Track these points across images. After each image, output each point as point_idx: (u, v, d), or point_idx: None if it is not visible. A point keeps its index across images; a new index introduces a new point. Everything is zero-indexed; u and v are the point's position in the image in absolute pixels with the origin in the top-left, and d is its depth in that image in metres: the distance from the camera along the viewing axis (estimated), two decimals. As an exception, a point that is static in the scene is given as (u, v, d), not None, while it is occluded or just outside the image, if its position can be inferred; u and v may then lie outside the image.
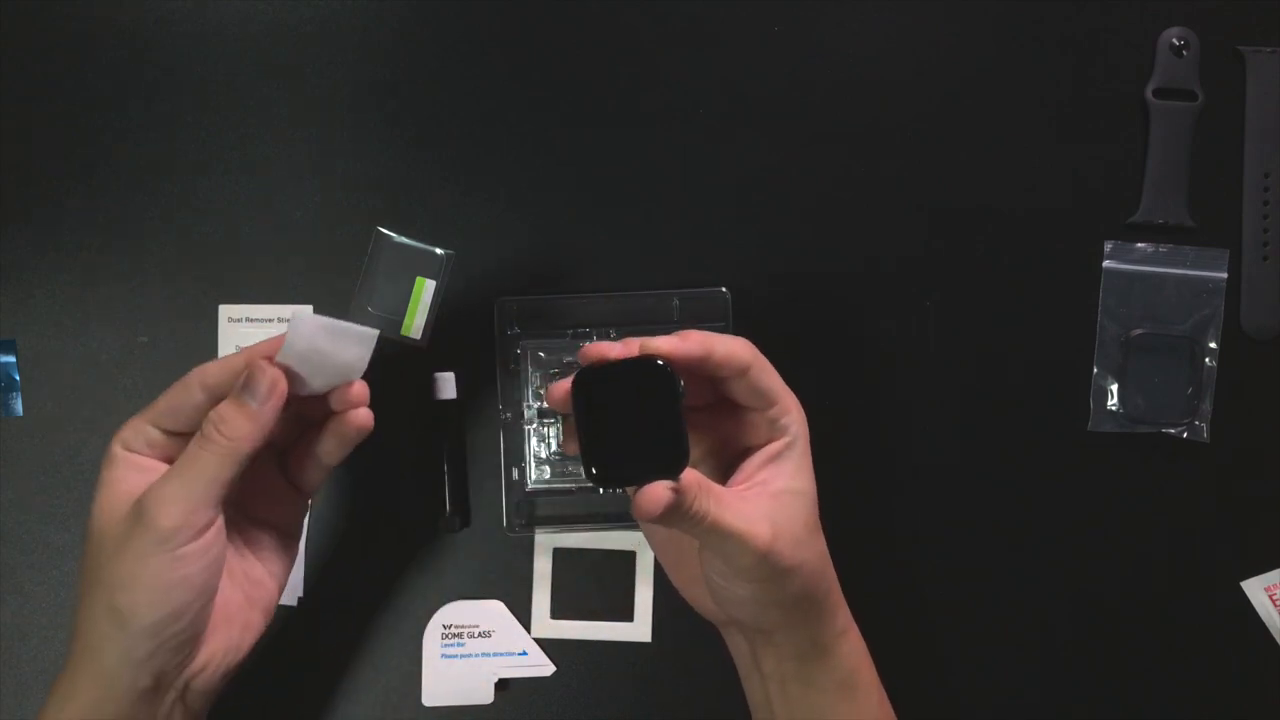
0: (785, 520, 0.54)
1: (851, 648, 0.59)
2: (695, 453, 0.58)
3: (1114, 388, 0.73)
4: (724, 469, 0.57)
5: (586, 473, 0.50)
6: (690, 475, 0.51)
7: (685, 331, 0.54)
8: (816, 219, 0.74)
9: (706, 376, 0.56)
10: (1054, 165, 0.74)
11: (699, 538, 0.54)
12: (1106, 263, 0.73)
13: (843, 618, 0.59)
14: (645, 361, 0.52)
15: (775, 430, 0.56)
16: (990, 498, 0.73)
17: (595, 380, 0.51)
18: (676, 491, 0.50)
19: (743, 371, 0.55)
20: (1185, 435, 0.73)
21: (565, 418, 0.54)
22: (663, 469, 0.50)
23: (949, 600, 0.73)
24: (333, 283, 0.73)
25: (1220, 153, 0.74)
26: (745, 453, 0.57)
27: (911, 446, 0.73)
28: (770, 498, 0.55)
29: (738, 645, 0.60)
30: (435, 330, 0.73)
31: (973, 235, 0.74)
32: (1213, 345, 0.73)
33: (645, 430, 0.51)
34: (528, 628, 0.72)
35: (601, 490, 0.53)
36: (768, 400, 0.56)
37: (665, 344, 0.53)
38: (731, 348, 0.55)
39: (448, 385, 0.72)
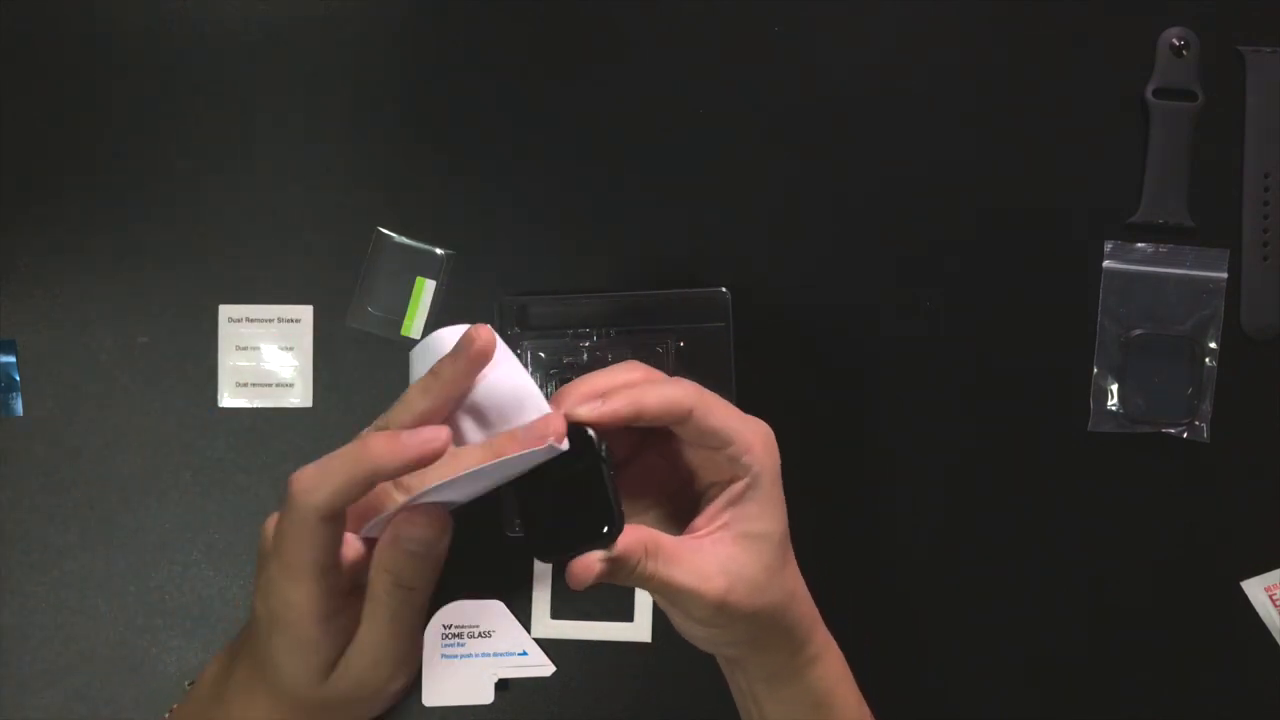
0: (742, 568, 0.52)
1: (824, 671, 0.57)
2: (655, 495, 0.56)
3: (1114, 388, 0.73)
4: (688, 507, 0.56)
5: (525, 548, 0.50)
6: (636, 537, 0.50)
7: (615, 387, 0.52)
8: (816, 219, 0.74)
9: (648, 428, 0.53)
10: (1054, 165, 0.74)
11: (650, 592, 0.53)
12: (1106, 263, 0.73)
13: (816, 644, 0.57)
14: (569, 431, 0.50)
15: (737, 468, 0.53)
16: (990, 498, 0.73)
17: None
18: (610, 561, 0.49)
19: (684, 417, 0.52)
20: (1185, 435, 0.73)
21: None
22: (595, 539, 0.49)
23: (948, 600, 0.73)
24: (333, 283, 0.73)
25: (1220, 153, 0.74)
26: (708, 489, 0.55)
27: (910, 446, 0.73)
28: (731, 543, 0.53)
29: (718, 657, 0.60)
30: (435, 330, 0.73)
31: (972, 235, 0.74)
32: (1213, 345, 0.73)
33: (576, 500, 0.50)
34: (528, 628, 0.72)
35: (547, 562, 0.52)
36: (721, 440, 0.53)
37: (588, 411, 0.50)
38: (666, 397, 0.52)
39: (448, 385, 0.72)
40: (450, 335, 0.51)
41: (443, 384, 0.49)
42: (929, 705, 0.73)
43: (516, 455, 0.48)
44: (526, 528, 0.50)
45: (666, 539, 0.51)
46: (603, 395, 0.51)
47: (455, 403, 0.50)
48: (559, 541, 0.50)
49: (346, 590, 0.49)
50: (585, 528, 0.49)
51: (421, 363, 0.51)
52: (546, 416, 0.49)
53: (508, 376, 0.50)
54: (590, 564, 0.49)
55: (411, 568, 0.48)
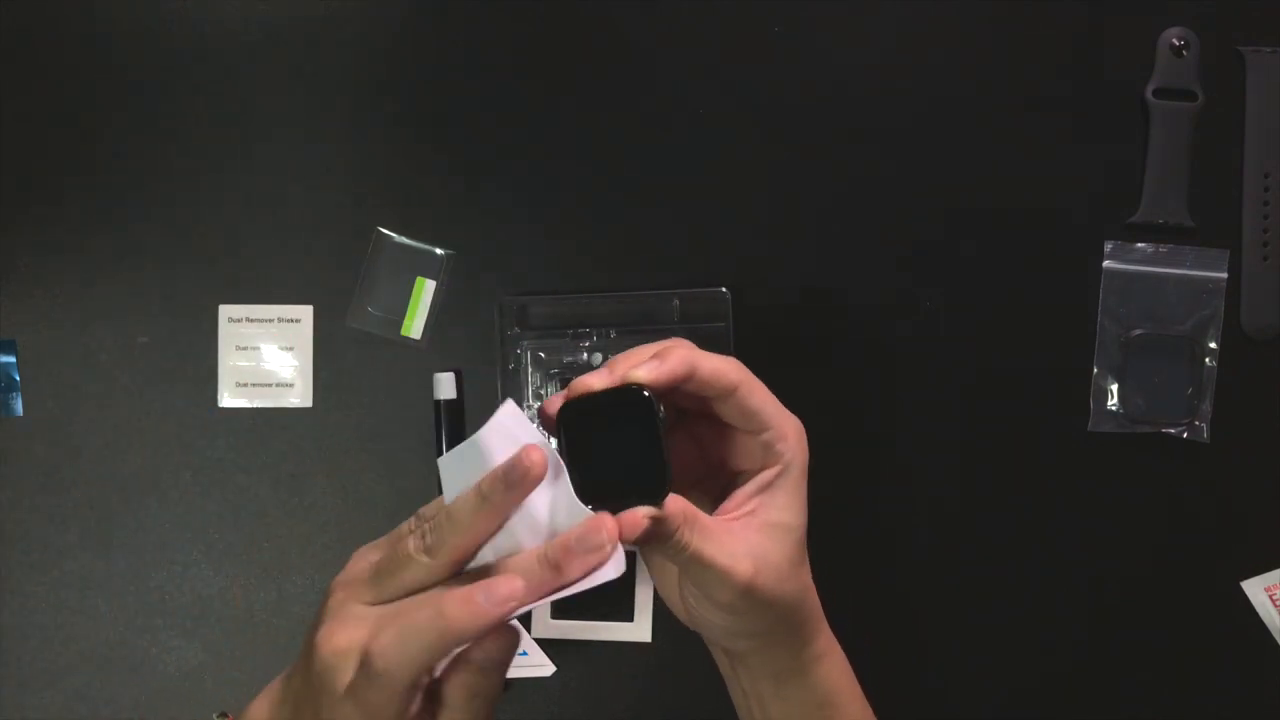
0: (768, 555, 0.53)
1: (829, 670, 0.58)
2: (686, 478, 0.56)
3: (1114, 388, 0.73)
4: (717, 493, 0.56)
5: (574, 487, 0.50)
6: (678, 505, 0.50)
7: (669, 348, 0.53)
8: (816, 219, 0.74)
9: (694, 394, 0.54)
10: (1054, 165, 0.74)
11: (680, 565, 0.53)
12: (1106, 263, 0.73)
13: (822, 642, 0.58)
14: (625, 391, 0.51)
15: (769, 456, 0.54)
16: (990, 498, 0.73)
17: (579, 411, 0.51)
18: (656, 519, 0.49)
19: (730, 391, 0.53)
20: (1185, 435, 0.73)
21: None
22: (644, 495, 0.50)
23: (948, 600, 0.73)
24: (333, 283, 0.73)
25: (1220, 153, 0.74)
26: (738, 477, 0.56)
27: (911, 446, 0.73)
28: (758, 529, 0.53)
29: (720, 657, 0.60)
30: (435, 330, 0.73)
31: (973, 235, 0.74)
32: (1213, 345, 0.73)
33: (628, 457, 0.50)
34: (528, 628, 0.72)
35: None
36: (759, 423, 0.54)
37: (646, 371, 0.51)
38: (718, 366, 0.53)
39: (448, 385, 0.72)
40: (488, 445, 0.49)
41: (494, 508, 0.48)
42: (929, 705, 0.73)
43: (587, 583, 0.48)
44: (575, 476, 0.50)
45: (702, 514, 0.52)
46: (658, 356, 0.52)
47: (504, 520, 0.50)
48: (607, 491, 0.50)
49: (419, 710, 0.49)
50: (635, 484, 0.50)
51: (457, 471, 0.50)
52: (598, 520, 0.49)
53: (552, 482, 0.50)
54: (638, 519, 0.49)
55: (487, 680, 0.49)
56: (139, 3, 0.73)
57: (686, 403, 0.55)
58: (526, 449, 0.48)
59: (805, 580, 0.56)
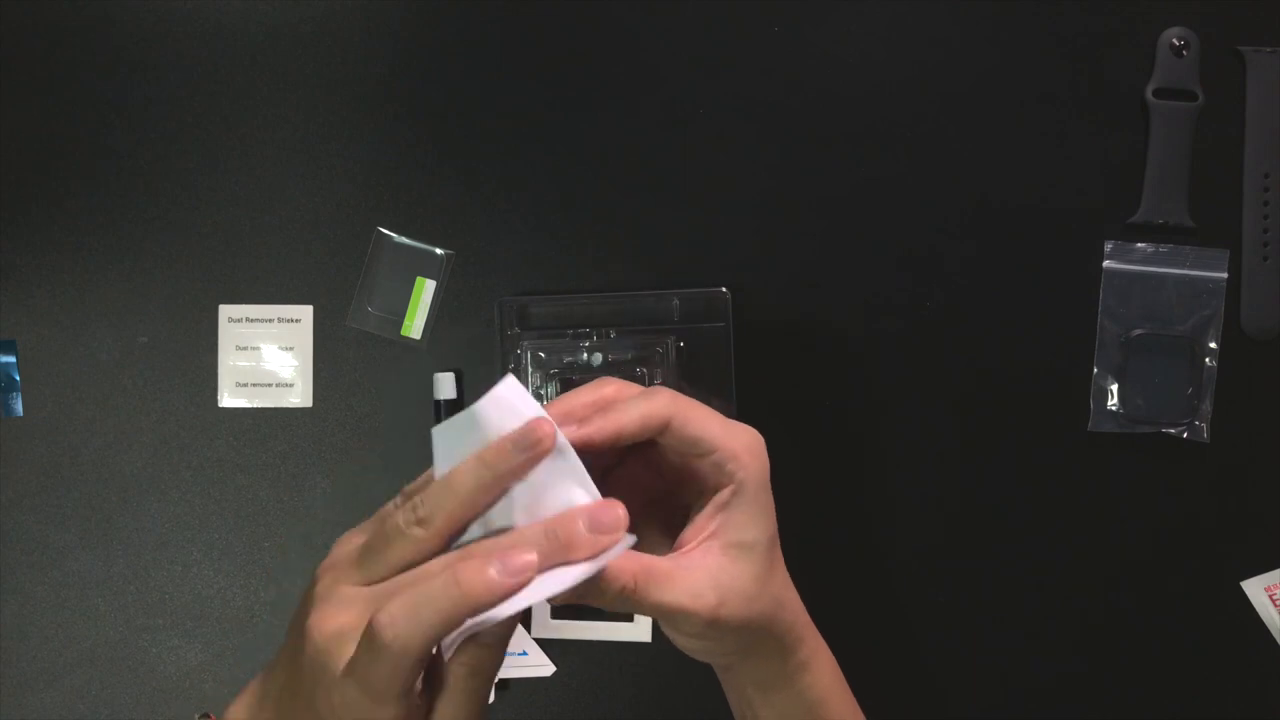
0: (733, 580, 0.52)
1: (815, 678, 0.57)
2: (640, 507, 0.54)
3: (1114, 388, 0.73)
4: (682, 509, 0.56)
5: None
6: (625, 566, 0.49)
7: (589, 407, 0.51)
8: (816, 219, 0.74)
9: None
10: (1054, 165, 0.74)
11: (643, 614, 0.53)
12: (1106, 263, 0.73)
13: (806, 649, 0.57)
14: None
15: (722, 476, 0.53)
16: (990, 498, 0.73)
17: None
18: (587, 582, 0.48)
19: (663, 428, 0.52)
20: (1185, 435, 0.73)
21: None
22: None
23: (947, 600, 0.73)
24: (333, 283, 0.73)
25: (1220, 153, 0.74)
26: (698, 498, 0.55)
27: (911, 446, 0.73)
28: (720, 552, 0.53)
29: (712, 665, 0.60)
30: (435, 330, 0.73)
31: (973, 235, 0.74)
32: (1213, 345, 0.73)
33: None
34: (528, 628, 0.72)
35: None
36: (702, 448, 0.52)
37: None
38: (642, 413, 0.52)
39: (448, 385, 0.72)
40: (486, 416, 0.47)
41: (497, 477, 0.47)
42: (928, 706, 0.73)
43: (599, 564, 0.47)
44: None
45: (658, 562, 0.51)
46: (580, 419, 0.51)
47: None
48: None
49: (420, 689, 0.49)
50: None
51: (452, 443, 0.48)
52: (611, 502, 0.47)
53: (559, 456, 0.49)
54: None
55: (489, 655, 0.48)
56: (139, 3, 0.73)
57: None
58: (538, 420, 0.47)
59: (779, 594, 0.55)
